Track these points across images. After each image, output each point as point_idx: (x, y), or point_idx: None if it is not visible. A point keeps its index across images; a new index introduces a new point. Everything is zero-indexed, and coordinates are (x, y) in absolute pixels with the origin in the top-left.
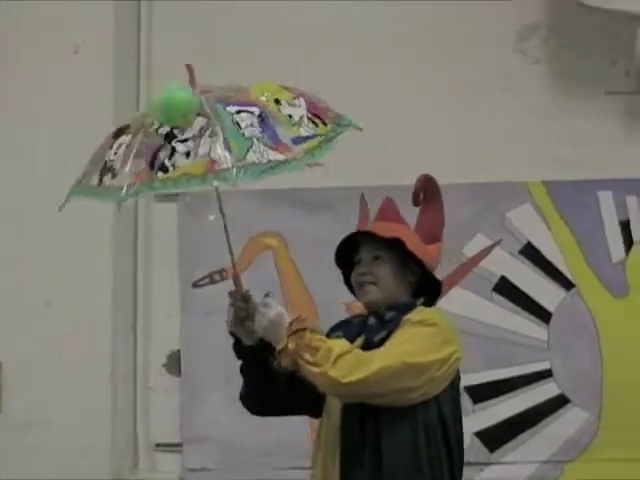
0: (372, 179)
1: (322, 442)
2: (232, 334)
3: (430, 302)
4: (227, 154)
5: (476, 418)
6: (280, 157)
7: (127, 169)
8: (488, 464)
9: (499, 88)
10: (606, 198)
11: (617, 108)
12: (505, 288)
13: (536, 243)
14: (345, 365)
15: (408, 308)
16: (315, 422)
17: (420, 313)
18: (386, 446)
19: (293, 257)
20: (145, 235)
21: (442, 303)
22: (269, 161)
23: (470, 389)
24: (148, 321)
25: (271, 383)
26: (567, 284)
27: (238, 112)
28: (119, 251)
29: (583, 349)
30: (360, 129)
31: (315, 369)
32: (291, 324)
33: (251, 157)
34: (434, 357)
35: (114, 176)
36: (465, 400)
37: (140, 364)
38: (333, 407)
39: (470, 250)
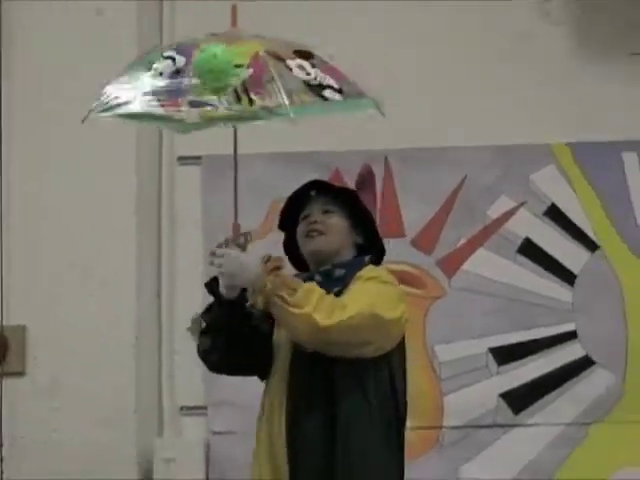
0: (396, 142)
1: (269, 396)
2: (211, 290)
3: (375, 264)
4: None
5: (501, 380)
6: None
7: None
8: (513, 426)
9: (523, 50)
10: (631, 159)
11: None
12: (529, 250)
13: (560, 205)
14: (324, 308)
15: (358, 265)
16: None
17: (372, 270)
18: (340, 393)
19: None
20: (169, 199)
21: (467, 265)
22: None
23: (494, 351)
24: (173, 285)
25: (238, 340)
26: (592, 246)
27: None
28: (143, 215)
29: (608, 311)
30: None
31: (295, 310)
32: (266, 263)
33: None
34: (392, 315)
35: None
36: (490, 362)
37: (165, 328)
38: (281, 360)
39: (494, 212)
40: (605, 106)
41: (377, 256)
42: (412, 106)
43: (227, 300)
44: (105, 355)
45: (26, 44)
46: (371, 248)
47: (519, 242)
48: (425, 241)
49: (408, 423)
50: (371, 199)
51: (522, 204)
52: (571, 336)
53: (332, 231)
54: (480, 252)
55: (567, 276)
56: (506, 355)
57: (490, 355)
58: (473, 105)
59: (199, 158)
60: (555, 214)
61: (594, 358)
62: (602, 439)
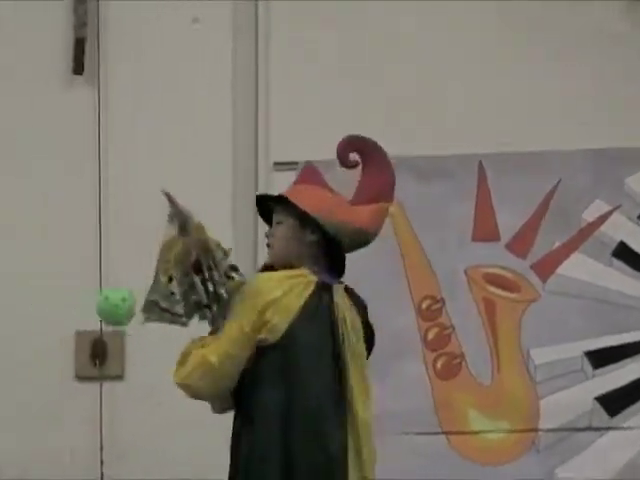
0: (490, 146)
1: None
2: None
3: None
4: None
5: (596, 383)
6: None
7: None
8: (608, 429)
9: (615, 52)
10: None
11: None
12: (624, 253)
13: None
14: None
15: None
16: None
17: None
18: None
19: (412, 225)
20: None
21: (561, 269)
22: None
23: (590, 354)
24: None
25: None
26: None
27: None
28: (239, 221)
29: None
30: None
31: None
32: None
33: None
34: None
35: None
36: (585, 365)
37: None
38: None
39: (589, 215)
40: None
41: (340, 255)
42: (505, 111)
43: None
44: None
45: (123, 53)
46: (331, 240)
47: (614, 245)
48: (519, 245)
49: (504, 426)
50: (377, 167)
51: (617, 207)
52: None
53: (276, 242)
54: (575, 256)
55: None
56: (601, 358)
57: (585, 358)
58: (566, 109)
59: (295, 164)
60: None
61: None
62: None
